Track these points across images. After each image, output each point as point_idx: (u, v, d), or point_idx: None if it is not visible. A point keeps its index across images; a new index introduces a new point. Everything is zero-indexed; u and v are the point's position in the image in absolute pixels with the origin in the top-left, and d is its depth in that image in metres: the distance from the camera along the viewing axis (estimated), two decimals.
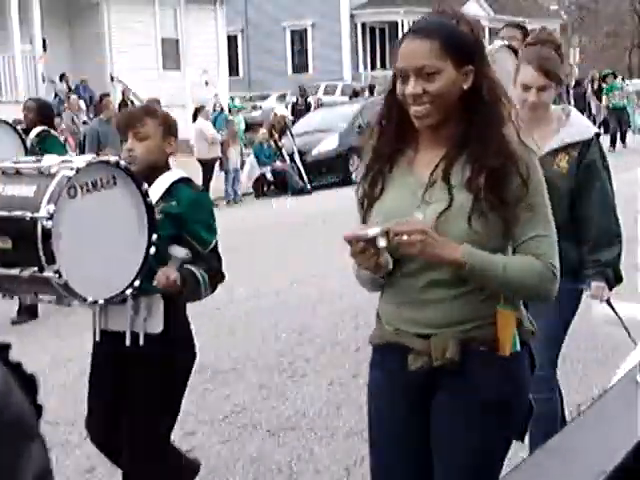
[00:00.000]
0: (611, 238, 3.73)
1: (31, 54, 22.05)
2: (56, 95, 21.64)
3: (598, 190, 3.67)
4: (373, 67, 40.24)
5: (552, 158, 3.60)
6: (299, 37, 40.44)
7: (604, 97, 23.79)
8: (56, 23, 23.40)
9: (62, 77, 22.39)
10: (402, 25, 38.75)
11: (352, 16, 39.23)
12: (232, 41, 36.25)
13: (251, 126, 22.71)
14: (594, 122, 26.51)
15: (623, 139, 22.73)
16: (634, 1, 48.70)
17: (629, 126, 23.08)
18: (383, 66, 40.56)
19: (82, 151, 15.52)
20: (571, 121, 3.70)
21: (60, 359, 6.19)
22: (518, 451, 4.23)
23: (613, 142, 22.05)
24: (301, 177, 16.68)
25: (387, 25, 40.26)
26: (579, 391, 5.01)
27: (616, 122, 22.61)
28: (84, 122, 19.20)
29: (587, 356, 5.63)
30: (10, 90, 21.48)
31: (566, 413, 4.02)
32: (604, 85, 24.36)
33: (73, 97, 19.71)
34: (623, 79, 25.89)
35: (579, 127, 3.70)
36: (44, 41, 22.60)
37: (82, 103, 21.02)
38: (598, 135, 3.71)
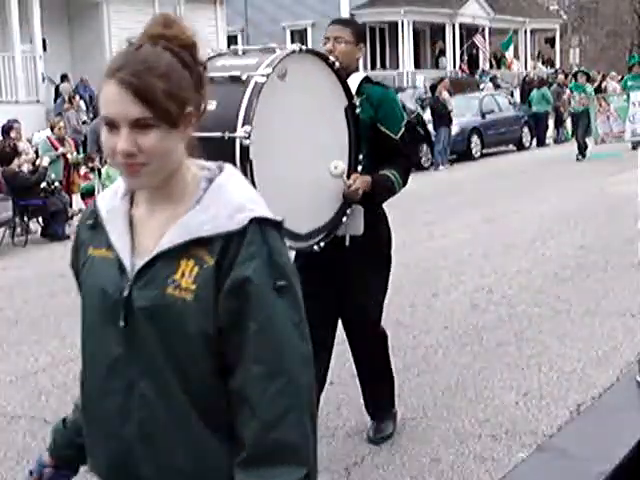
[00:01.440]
0: (280, 446, 1.73)
1: (31, 54, 22.05)
2: (58, 95, 21.62)
3: (258, 342, 1.72)
4: (373, 67, 40.24)
5: (162, 271, 1.77)
6: (299, 37, 40.43)
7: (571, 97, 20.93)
8: (56, 23, 23.40)
9: (64, 77, 22.38)
10: (402, 25, 38.80)
11: (352, 16, 39.20)
12: (232, 41, 36.19)
13: None
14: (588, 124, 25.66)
15: (582, 150, 19.43)
16: (634, 1, 48.69)
17: (588, 134, 18.81)
18: (383, 66, 40.59)
19: (84, 151, 15.59)
20: (210, 196, 1.80)
21: (60, 359, 6.18)
22: (518, 451, 4.24)
23: (580, 150, 19.40)
24: None
25: (387, 25, 40.27)
26: (579, 391, 5.01)
27: (576, 129, 19.91)
28: (84, 122, 19.23)
29: (587, 356, 5.63)
30: (10, 90, 21.48)
31: (566, 413, 3.93)
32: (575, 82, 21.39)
33: (77, 98, 19.73)
34: (622, 79, 25.20)
35: (221, 208, 1.77)
36: (44, 41, 22.60)
37: (82, 103, 21.03)
38: (262, 222, 1.75)
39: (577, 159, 19.33)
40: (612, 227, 10.04)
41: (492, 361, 5.63)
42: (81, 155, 14.15)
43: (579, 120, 19.62)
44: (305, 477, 1.78)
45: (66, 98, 19.94)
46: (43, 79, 22.30)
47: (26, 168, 12.54)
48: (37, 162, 12.67)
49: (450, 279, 7.97)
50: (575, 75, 21.78)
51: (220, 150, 3.31)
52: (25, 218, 12.16)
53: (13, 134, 13.15)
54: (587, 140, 18.61)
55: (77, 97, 19.92)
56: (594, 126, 18.46)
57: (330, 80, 3.92)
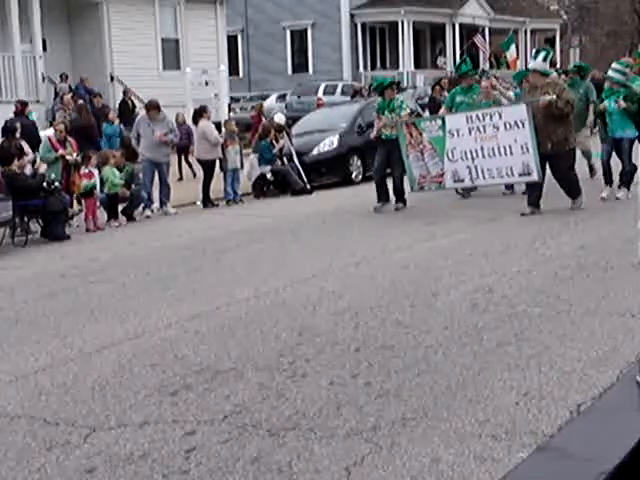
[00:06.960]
0: None
1: (31, 54, 22.05)
2: (57, 94, 21.63)
3: None
4: (373, 67, 40.24)
5: None
6: (299, 37, 40.43)
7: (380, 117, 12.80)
8: (56, 23, 23.39)
9: (64, 77, 22.37)
10: (402, 25, 38.78)
11: (352, 16, 39.23)
12: (232, 41, 36.24)
13: (251, 126, 22.68)
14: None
15: (384, 196, 12.27)
16: (634, 1, 48.67)
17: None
18: (383, 66, 40.58)
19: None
20: None
21: (60, 359, 6.19)
22: (518, 451, 4.24)
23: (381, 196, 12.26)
24: (300, 177, 16.65)
25: (387, 25, 40.26)
26: (579, 391, 5.01)
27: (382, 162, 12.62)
28: None
29: (587, 356, 5.63)
30: (10, 90, 21.48)
31: (566, 413, 3.92)
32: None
33: (66, 97, 19.70)
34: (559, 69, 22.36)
35: None
36: (44, 41, 22.60)
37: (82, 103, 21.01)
38: None
39: (375, 210, 11.96)
40: (612, 227, 10.04)
41: (492, 361, 5.63)
42: (79, 156, 14.05)
43: (389, 153, 12.60)
44: None
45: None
46: (43, 79, 22.29)
47: (28, 170, 12.54)
48: (36, 165, 12.66)
49: (450, 279, 7.96)
50: (372, 89, 14.96)
51: None
52: (25, 218, 12.16)
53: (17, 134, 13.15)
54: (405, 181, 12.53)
55: (69, 96, 19.90)
56: (407, 164, 12.32)
57: None
